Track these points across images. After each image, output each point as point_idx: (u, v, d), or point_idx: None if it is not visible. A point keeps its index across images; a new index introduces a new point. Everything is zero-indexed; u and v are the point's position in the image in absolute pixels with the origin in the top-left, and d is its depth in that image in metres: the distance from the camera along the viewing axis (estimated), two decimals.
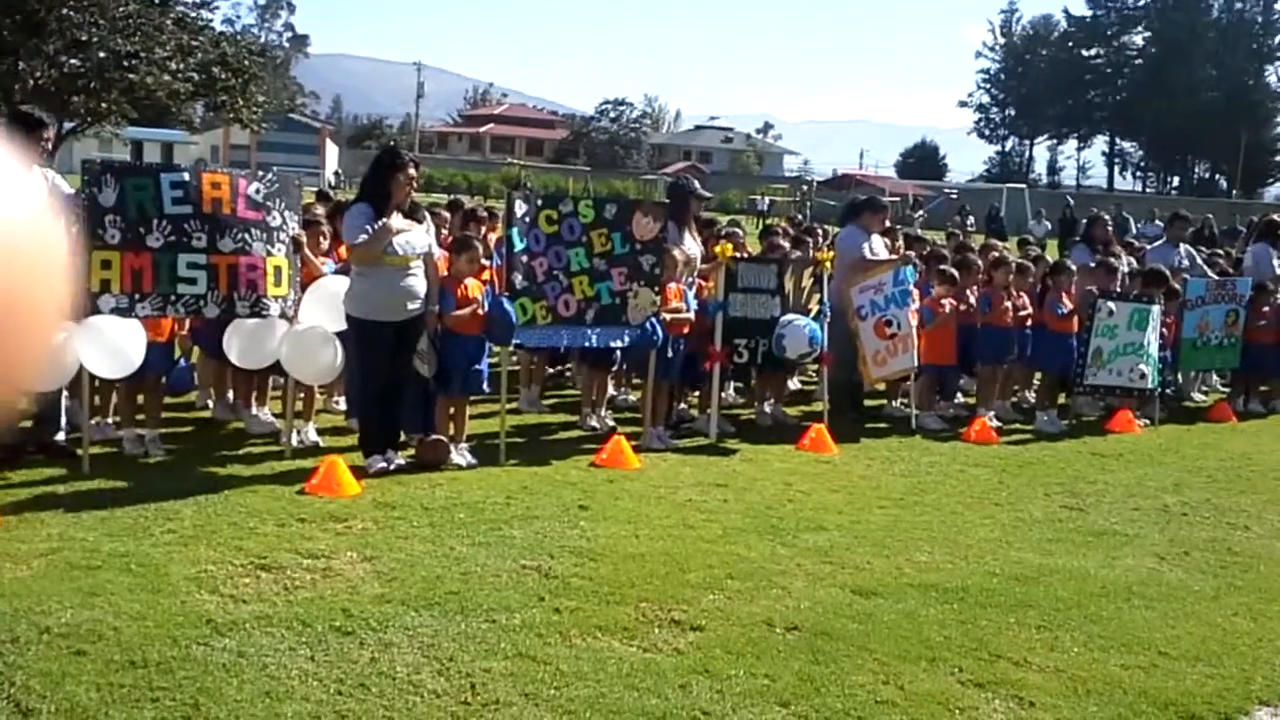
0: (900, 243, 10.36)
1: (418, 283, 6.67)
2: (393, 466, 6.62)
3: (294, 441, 6.96)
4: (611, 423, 8.30)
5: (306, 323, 6.80)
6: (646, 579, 5.06)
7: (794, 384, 10.18)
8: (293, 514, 5.66)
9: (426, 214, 7.19)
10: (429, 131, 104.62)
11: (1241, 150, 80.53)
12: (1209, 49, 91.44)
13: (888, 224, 10.37)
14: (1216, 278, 11.11)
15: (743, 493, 6.74)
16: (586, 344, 7.72)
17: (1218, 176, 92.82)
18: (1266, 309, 10.84)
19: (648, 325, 7.65)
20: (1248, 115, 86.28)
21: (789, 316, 8.30)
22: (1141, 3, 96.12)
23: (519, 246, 7.18)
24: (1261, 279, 11.25)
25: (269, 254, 6.62)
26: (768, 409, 9.01)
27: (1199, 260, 11.79)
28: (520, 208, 7.25)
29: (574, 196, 8.46)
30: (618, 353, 8.20)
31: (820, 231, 12.27)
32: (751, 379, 9.34)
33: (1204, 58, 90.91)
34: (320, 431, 7.41)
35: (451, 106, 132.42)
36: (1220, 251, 14.14)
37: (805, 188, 53.26)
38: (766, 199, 48.81)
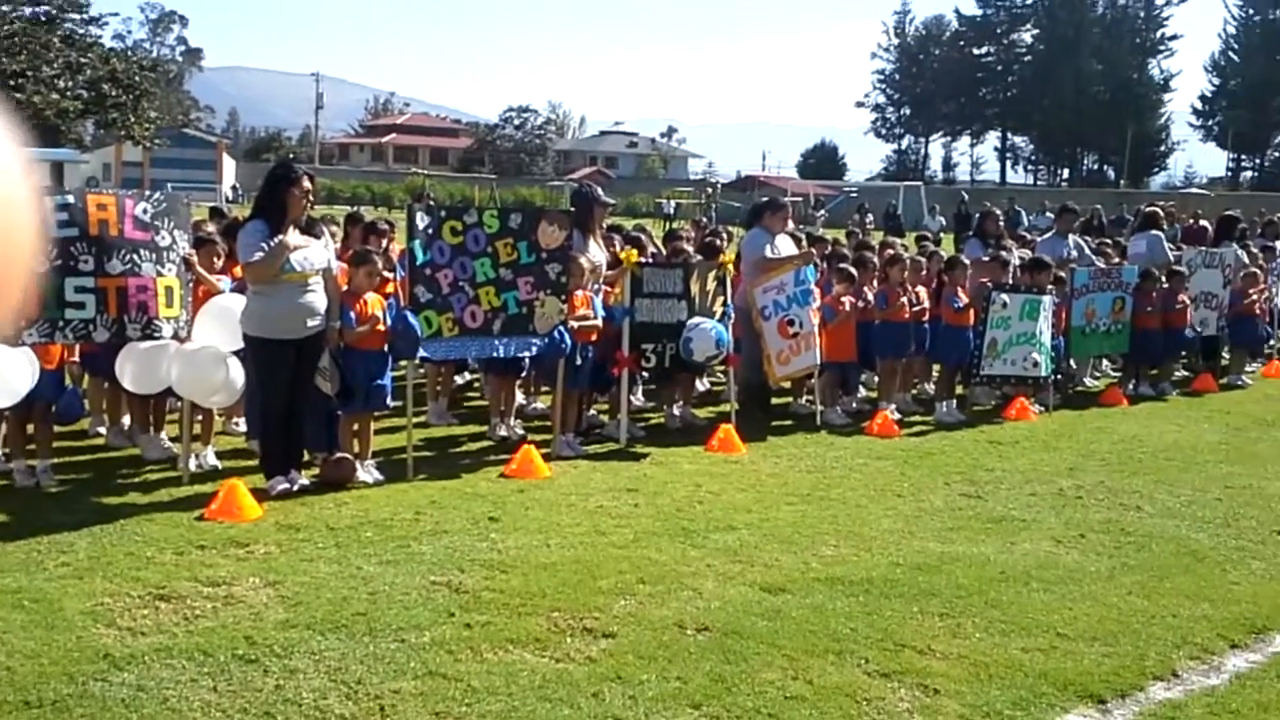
0: (804, 242, 10.52)
1: (317, 299, 6.56)
2: (296, 487, 6.50)
3: (192, 466, 6.80)
4: (521, 431, 8.27)
5: (199, 343, 6.64)
6: (558, 588, 5.06)
7: (703, 385, 10.27)
8: (192, 541, 5.53)
9: (325, 229, 7.09)
10: (330, 143, 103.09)
11: (1128, 142, 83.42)
12: (1094, 44, 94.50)
13: (790, 224, 10.51)
14: (1103, 266, 11.49)
15: (653, 496, 6.77)
16: (494, 355, 7.69)
17: (1106, 167, 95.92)
18: (1153, 295, 11.24)
19: (555, 334, 7.65)
20: (1133, 108, 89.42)
21: (695, 320, 8.37)
22: (1030, 1, 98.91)
23: (421, 259, 7.14)
24: (1154, 265, 11.65)
25: (159, 274, 6.46)
26: (676, 411, 9.07)
27: (1087, 251, 12.17)
28: (422, 220, 7.19)
29: (478, 207, 8.40)
30: (525, 361, 8.18)
31: (726, 234, 12.40)
32: (649, 384, 9.38)
33: (1090, 53, 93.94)
34: (219, 454, 7.25)
35: (352, 117, 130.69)
36: (1109, 241, 14.62)
37: (710, 190, 53.68)
38: (672, 202, 49.10)
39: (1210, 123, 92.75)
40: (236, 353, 6.67)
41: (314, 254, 6.56)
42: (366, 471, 6.85)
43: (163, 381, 6.67)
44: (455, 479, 7.01)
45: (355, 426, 7.02)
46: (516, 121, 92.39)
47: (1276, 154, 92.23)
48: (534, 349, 7.71)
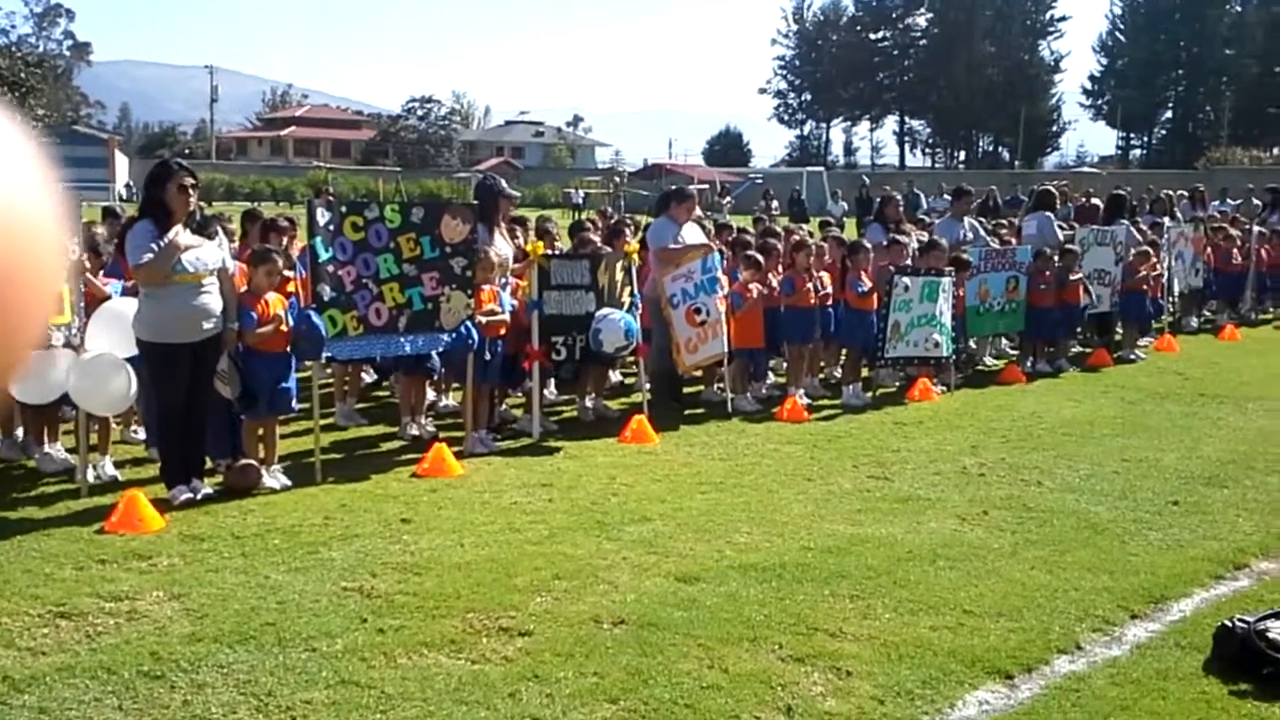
0: (711, 230, 10.59)
1: (212, 300, 6.39)
2: (199, 496, 6.34)
3: (90, 477, 6.58)
4: (432, 430, 8.18)
5: (94, 350, 6.43)
6: (473, 588, 5.02)
7: (615, 376, 10.27)
8: (92, 555, 5.36)
9: (220, 228, 6.91)
10: (227, 137, 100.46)
11: (1021, 123, 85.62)
12: (986, 27, 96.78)
13: (697, 211, 10.57)
14: (997, 247, 11.78)
15: (568, 490, 6.76)
16: (401, 353, 7.59)
17: (1000, 149, 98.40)
18: (1047, 274, 11.55)
19: (462, 329, 7.58)
20: (1025, 89, 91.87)
21: (604, 311, 8.37)
22: None
23: (324, 256, 7.01)
24: (1045, 246, 11.97)
25: None
26: (589, 404, 9.07)
27: (982, 233, 12.46)
28: (323, 216, 7.06)
29: (379, 201, 8.26)
30: (435, 359, 8.09)
31: (631, 224, 12.41)
32: (560, 376, 9.35)
33: (982, 36, 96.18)
34: (118, 464, 7.03)
35: (249, 110, 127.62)
36: (1004, 222, 14.99)
37: (618, 179, 53.68)
38: (581, 192, 49.01)
39: (1100, 102, 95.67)
40: (131, 359, 6.47)
41: (207, 254, 6.39)
42: (273, 477, 6.71)
43: (54, 390, 6.45)
44: (365, 481, 6.91)
45: (260, 431, 6.87)
46: (420, 112, 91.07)
47: (1163, 132, 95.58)
48: (441, 345, 7.63)
